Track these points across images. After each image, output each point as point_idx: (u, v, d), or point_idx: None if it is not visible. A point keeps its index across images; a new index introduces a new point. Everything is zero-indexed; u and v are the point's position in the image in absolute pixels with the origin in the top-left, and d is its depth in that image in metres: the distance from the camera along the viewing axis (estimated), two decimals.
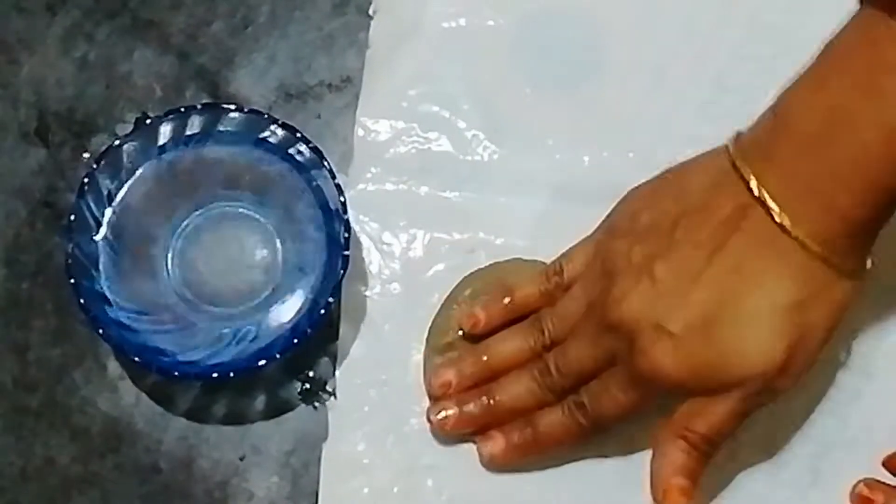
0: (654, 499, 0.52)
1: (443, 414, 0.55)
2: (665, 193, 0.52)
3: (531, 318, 0.56)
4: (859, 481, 0.55)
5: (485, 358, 0.56)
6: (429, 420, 0.56)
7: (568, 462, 0.56)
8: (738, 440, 0.56)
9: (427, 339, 0.58)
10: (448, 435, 0.56)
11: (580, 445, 0.55)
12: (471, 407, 0.55)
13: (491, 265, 0.59)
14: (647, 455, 0.56)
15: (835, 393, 0.57)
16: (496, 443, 0.55)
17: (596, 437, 0.54)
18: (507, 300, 0.57)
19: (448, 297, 0.58)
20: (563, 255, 0.56)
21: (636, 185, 0.55)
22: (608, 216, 0.55)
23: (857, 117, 0.46)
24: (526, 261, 0.58)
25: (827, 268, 0.48)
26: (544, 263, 0.58)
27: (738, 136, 0.51)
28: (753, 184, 0.48)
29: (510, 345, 0.56)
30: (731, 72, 0.61)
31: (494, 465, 0.56)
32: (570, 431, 0.54)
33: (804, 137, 0.48)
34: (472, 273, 0.59)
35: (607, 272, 0.52)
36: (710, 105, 0.61)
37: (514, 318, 0.57)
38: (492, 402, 0.55)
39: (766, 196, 0.48)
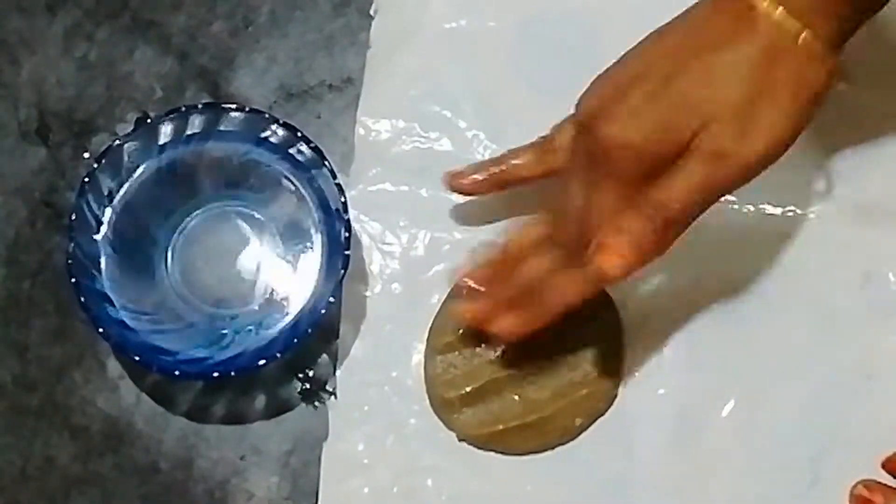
0: (587, 257, 0.50)
1: (470, 305, 0.56)
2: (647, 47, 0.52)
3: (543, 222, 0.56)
4: (858, 482, 0.55)
5: (504, 246, 0.56)
6: (458, 315, 0.56)
7: (567, 462, 0.57)
8: (738, 440, 0.56)
9: (427, 340, 0.58)
10: (473, 323, 0.56)
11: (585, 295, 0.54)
12: (491, 292, 0.55)
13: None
14: (646, 455, 0.56)
15: (835, 393, 0.57)
16: (505, 319, 0.55)
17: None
18: (501, 167, 0.57)
19: (447, 297, 0.58)
20: (552, 128, 0.57)
21: None
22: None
23: None
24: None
25: (798, 43, 0.48)
26: None
27: None
28: None
29: (529, 228, 0.56)
30: None
31: (506, 336, 0.55)
32: (574, 283, 0.53)
33: None
34: None
35: (588, 123, 0.51)
36: None
37: (505, 185, 0.57)
38: (514, 280, 0.55)
39: None
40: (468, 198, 0.59)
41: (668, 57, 0.49)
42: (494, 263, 0.56)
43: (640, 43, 0.51)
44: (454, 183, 0.58)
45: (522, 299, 0.55)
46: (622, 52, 0.57)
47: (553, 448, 0.57)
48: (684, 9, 0.50)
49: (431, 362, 0.58)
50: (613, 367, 0.58)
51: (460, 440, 0.57)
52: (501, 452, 0.57)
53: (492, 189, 0.58)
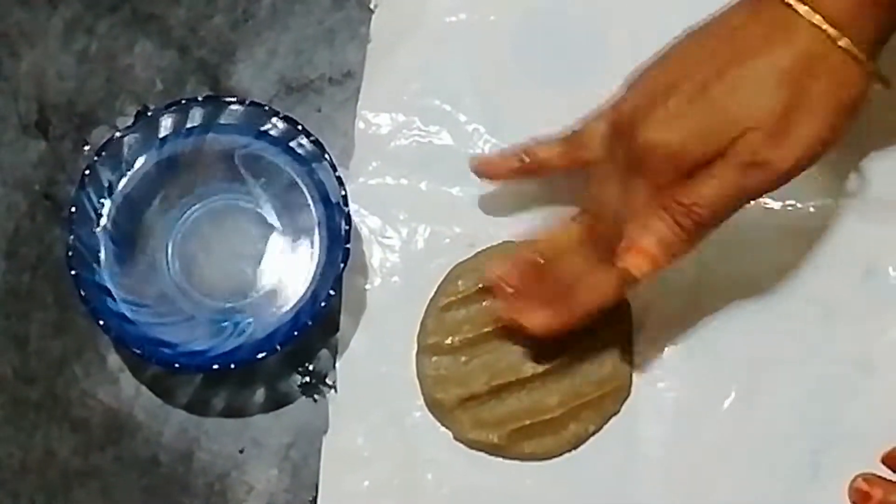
0: (616, 258, 0.51)
1: (502, 300, 0.56)
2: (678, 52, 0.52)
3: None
4: (858, 476, 0.55)
5: (538, 247, 0.57)
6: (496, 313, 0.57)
7: (568, 457, 0.57)
8: (738, 434, 0.56)
9: (417, 340, 0.58)
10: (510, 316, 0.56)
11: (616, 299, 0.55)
12: (521, 288, 0.56)
13: (476, 254, 0.59)
14: (646, 448, 0.56)
15: (835, 387, 0.57)
16: (537, 315, 0.55)
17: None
18: (527, 156, 0.57)
19: (435, 294, 0.58)
20: (576, 123, 0.56)
21: None
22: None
23: None
24: (517, 243, 0.58)
25: (836, 48, 0.48)
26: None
27: None
28: None
29: (558, 233, 0.56)
30: None
31: (536, 332, 0.55)
32: (606, 285, 0.54)
33: None
34: (458, 265, 0.59)
35: (626, 128, 0.51)
36: None
37: (529, 174, 0.57)
38: (543, 278, 0.55)
39: None
40: (469, 192, 0.59)
41: (705, 63, 0.50)
42: (527, 264, 0.56)
43: (676, 45, 0.51)
44: (480, 168, 0.58)
45: (556, 297, 0.55)
46: (624, 45, 0.57)
47: (559, 455, 0.57)
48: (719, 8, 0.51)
49: (422, 364, 0.57)
50: (626, 367, 0.57)
51: (456, 439, 0.57)
52: (502, 457, 0.57)
53: (516, 177, 0.58)
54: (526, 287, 0.56)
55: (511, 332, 0.57)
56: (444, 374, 0.57)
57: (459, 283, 0.58)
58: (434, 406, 0.57)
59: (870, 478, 0.55)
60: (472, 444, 0.57)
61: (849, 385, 0.57)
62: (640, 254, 0.50)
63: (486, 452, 0.57)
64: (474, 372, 0.57)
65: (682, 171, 0.49)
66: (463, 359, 0.57)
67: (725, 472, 0.56)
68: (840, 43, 0.48)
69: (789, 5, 0.48)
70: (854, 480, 0.55)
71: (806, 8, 0.48)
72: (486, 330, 0.58)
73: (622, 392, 0.57)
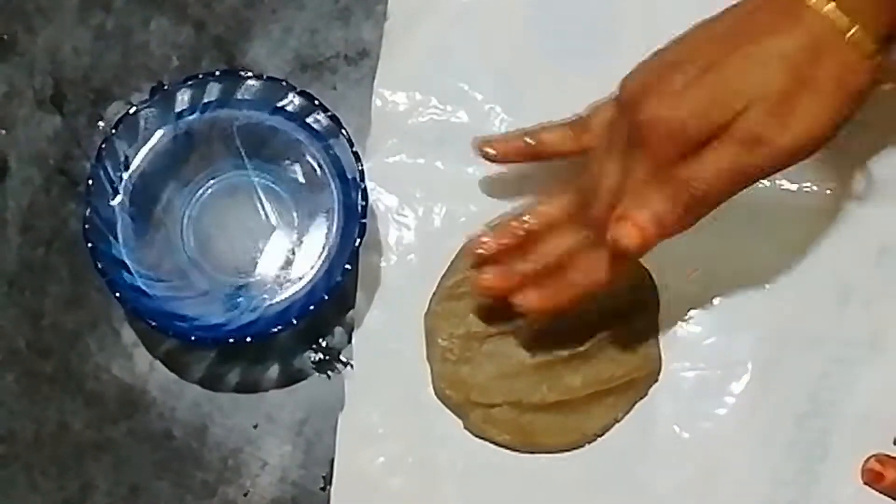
0: (608, 227, 0.50)
1: (486, 275, 0.55)
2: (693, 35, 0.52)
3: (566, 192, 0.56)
4: (870, 456, 0.56)
5: (525, 219, 0.56)
6: (475, 287, 0.56)
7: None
8: (752, 414, 0.56)
9: (424, 322, 0.58)
10: (491, 294, 0.56)
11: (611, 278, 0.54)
12: (511, 266, 0.55)
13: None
14: (663, 429, 0.56)
15: (846, 368, 0.57)
16: (529, 294, 0.54)
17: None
18: (532, 139, 0.57)
19: (444, 274, 0.58)
20: (586, 109, 0.56)
21: None
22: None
23: None
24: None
25: (843, 39, 0.48)
26: None
27: None
28: None
29: (552, 204, 0.56)
30: None
31: (528, 310, 0.55)
32: (600, 264, 0.53)
33: None
34: (467, 244, 0.58)
35: (630, 103, 0.51)
36: None
37: (534, 158, 0.57)
38: (532, 257, 0.55)
39: None
40: (484, 171, 0.59)
41: (712, 43, 0.50)
42: (514, 237, 0.56)
43: (689, 30, 0.51)
44: (484, 149, 0.58)
45: (546, 276, 0.55)
46: (638, 23, 0.57)
47: (581, 447, 0.57)
48: None
49: (431, 346, 0.57)
50: (656, 352, 0.57)
51: (465, 428, 0.57)
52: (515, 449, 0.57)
53: (519, 159, 0.58)
54: (510, 260, 0.56)
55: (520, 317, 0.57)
56: (452, 366, 0.57)
57: (466, 261, 0.58)
58: (443, 399, 0.57)
59: (883, 458, 0.55)
60: (485, 439, 0.57)
61: (863, 365, 0.57)
62: (634, 225, 0.50)
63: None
64: (482, 364, 0.57)
65: (684, 147, 0.49)
66: (471, 348, 0.57)
67: (740, 452, 0.56)
68: (849, 34, 0.48)
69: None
70: (867, 461, 0.56)
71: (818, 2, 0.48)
72: (493, 318, 0.57)
73: (652, 378, 0.57)
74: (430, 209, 0.59)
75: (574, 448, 0.56)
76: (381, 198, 0.59)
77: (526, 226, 0.56)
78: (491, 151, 0.57)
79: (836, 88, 0.48)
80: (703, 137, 0.49)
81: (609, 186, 0.52)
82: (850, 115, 0.49)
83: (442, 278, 0.58)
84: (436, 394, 0.57)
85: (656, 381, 0.57)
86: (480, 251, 0.56)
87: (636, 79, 0.51)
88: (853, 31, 0.48)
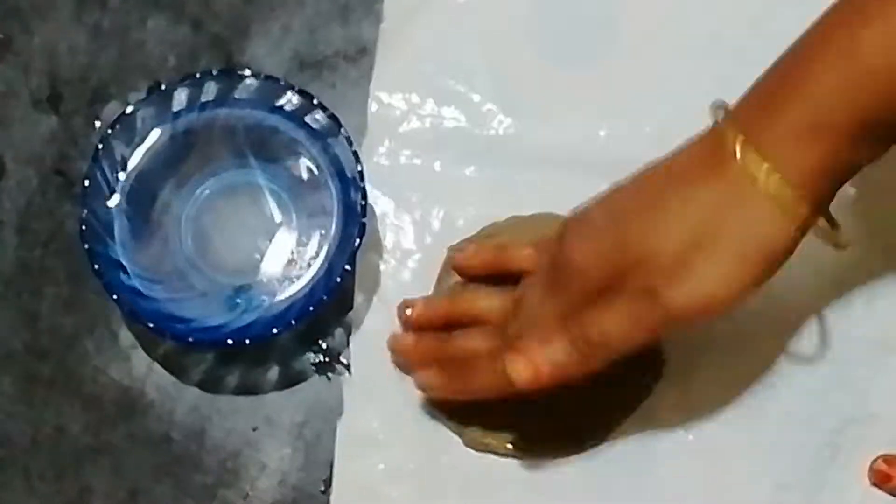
0: (506, 355, 0.49)
1: (399, 342, 0.56)
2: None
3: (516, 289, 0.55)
4: (878, 457, 0.55)
5: (456, 303, 0.56)
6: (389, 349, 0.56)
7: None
8: (760, 415, 0.56)
9: None
10: (400, 366, 0.56)
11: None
12: (426, 341, 0.56)
13: (479, 231, 0.58)
14: (670, 432, 0.56)
15: (854, 368, 0.56)
16: (432, 375, 0.55)
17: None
18: (497, 250, 0.56)
19: (438, 277, 0.58)
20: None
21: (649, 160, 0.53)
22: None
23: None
24: (521, 217, 0.58)
25: (760, 188, 0.44)
26: (549, 216, 0.57)
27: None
28: (714, 117, 0.47)
29: (485, 302, 0.56)
30: (750, 45, 0.60)
31: (421, 389, 0.55)
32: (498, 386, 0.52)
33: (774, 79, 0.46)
34: (463, 241, 0.58)
35: (558, 239, 0.51)
36: (728, 79, 0.59)
37: (501, 274, 0.56)
38: (447, 343, 0.55)
39: (722, 123, 0.46)
40: (483, 173, 0.59)
41: (636, 189, 0.48)
42: (440, 319, 0.56)
43: (635, 172, 0.50)
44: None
45: (453, 365, 0.55)
46: (639, 25, 0.56)
47: (584, 450, 0.56)
48: None
49: None
50: (658, 348, 0.57)
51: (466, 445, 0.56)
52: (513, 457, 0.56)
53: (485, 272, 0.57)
54: (424, 335, 0.56)
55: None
56: None
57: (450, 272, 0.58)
58: (436, 416, 0.56)
59: (890, 458, 0.55)
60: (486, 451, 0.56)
61: (870, 365, 0.56)
62: (529, 362, 0.49)
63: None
64: None
65: (589, 292, 0.48)
66: None
67: (746, 453, 0.55)
68: (767, 179, 0.44)
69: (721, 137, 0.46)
70: (874, 461, 0.55)
71: (738, 141, 0.45)
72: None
73: (655, 378, 0.56)
74: (427, 211, 0.59)
75: (577, 452, 0.56)
76: (378, 200, 0.59)
77: (457, 311, 0.56)
78: (464, 256, 0.57)
79: (741, 248, 0.45)
80: (604, 284, 0.47)
81: (526, 313, 0.52)
82: (763, 278, 0.46)
83: (436, 283, 0.58)
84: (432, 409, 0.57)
85: (659, 380, 0.56)
86: (408, 313, 0.56)
87: (575, 214, 0.51)
88: (770, 178, 0.44)
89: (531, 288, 0.53)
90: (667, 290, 0.46)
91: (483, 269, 0.56)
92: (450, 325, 0.56)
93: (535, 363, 0.49)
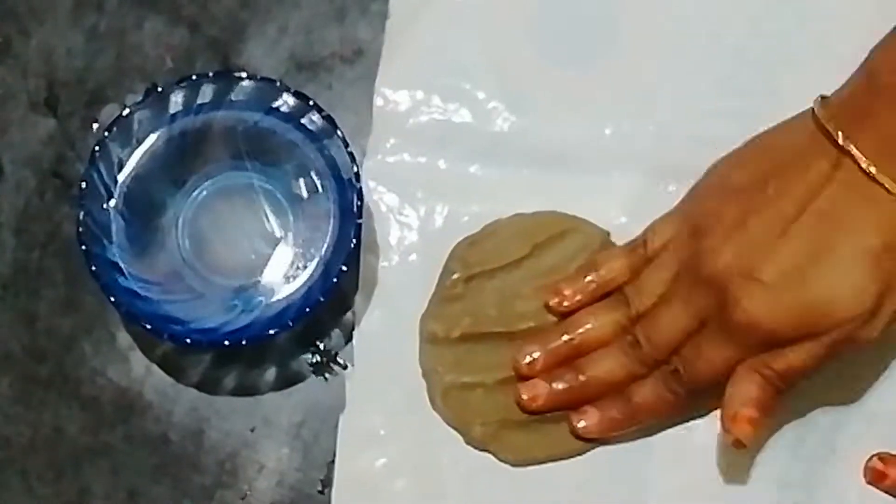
0: (723, 426, 0.52)
1: (532, 392, 0.55)
2: (753, 155, 0.53)
3: (615, 294, 0.55)
4: (874, 455, 0.55)
5: (569, 336, 0.55)
6: (519, 400, 0.55)
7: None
8: None
9: (419, 325, 0.57)
10: (537, 411, 0.55)
11: (676, 415, 0.55)
12: (561, 384, 0.55)
13: (483, 228, 0.58)
14: (666, 430, 0.56)
15: (852, 367, 0.56)
16: (590, 416, 0.55)
17: (691, 404, 0.54)
18: (590, 277, 0.56)
19: (441, 274, 0.58)
20: (647, 229, 0.56)
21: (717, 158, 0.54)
22: (693, 186, 0.55)
23: None
24: (524, 215, 0.58)
25: None
26: (552, 214, 0.57)
27: (825, 99, 0.51)
28: (840, 138, 0.49)
29: (596, 320, 0.55)
30: (750, 45, 0.60)
31: (588, 436, 0.55)
32: (666, 401, 0.53)
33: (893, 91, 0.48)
34: (464, 239, 0.58)
35: (698, 232, 0.52)
36: (729, 79, 0.60)
37: (599, 297, 0.56)
38: (582, 377, 0.55)
39: (853, 148, 0.48)
40: (487, 170, 0.59)
41: (798, 240, 0.49)
42: (559, 357, 0.56)
43: (757, 178, 0.51)
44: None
45: (601, 396, 0.54)
46: (642, 24, 0.56)
47: (581, 454, 0.56)
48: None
49: (424, 353, 0.57)
50: None
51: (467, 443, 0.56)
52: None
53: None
54: (554, 374, 0.55)
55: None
56: (446, 377, 0.56)
57: (462, 261, 0.57)
58: (438, 414, 0.57)
59: (886, 457, 0.55)
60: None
61: (867, 364, 0.56)
62: (748, 423, 0.51)
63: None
64: (475, 367, 0.56)
65: (772, 344, 0.50)
66: (462, 350, 0.56)
67: (745, 452, 0.55)
68: None
69: (873, 178, 0.48)
70: (870, 459, 0.55)
71: (890, 182, 0.48)
72: (488, 322, 0.57)
73: None
74: (432, 209, 0.59)
75: (577, 452, 0.56)
76: (382, 198, 0.59)
77: (574, 342, 0.55)
78: (563, 297, 0.56)
79: None
80: (796, 341, 0.50)
81: (670, 338, 0.52)
82: None
83: (438, 280, 0.58)
84: (432, 406, 0.57)
85: None
86: (526, 362, 0.56)
87: (720, 253, 0.51)
88: None
89: (673, 309, 0.52)
90: (866, 333, 0.50)
91: (591, 301, 0.56)
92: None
93: (751, 419, 0.51)
